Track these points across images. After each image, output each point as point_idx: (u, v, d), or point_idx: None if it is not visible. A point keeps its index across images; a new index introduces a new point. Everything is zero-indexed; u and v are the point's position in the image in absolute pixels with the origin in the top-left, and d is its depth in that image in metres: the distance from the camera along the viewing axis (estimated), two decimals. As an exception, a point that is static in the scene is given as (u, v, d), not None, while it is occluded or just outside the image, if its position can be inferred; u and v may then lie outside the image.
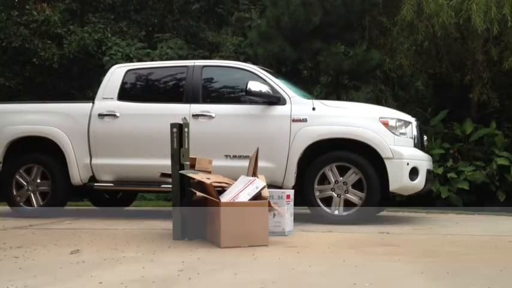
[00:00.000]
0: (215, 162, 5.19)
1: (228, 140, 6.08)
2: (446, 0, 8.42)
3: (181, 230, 4.73)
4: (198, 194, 4.53)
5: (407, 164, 5.78)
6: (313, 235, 5.11)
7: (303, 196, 6.01)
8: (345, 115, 5.99)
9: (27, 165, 6.67)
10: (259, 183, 4.49)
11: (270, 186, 5.20)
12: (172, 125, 4.82)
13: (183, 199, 4.76)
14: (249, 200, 4.42)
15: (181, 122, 4.85)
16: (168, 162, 4.88)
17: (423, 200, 8.05)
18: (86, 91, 11.18)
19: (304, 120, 5.97)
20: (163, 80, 6.82)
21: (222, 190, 4.64)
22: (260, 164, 4.93)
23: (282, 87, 6.24)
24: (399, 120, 5.97)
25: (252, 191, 4.44)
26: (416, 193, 6.13)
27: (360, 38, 9.75)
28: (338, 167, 5.88)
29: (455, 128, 9.01)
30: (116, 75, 6.72)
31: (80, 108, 6.68)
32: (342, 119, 5.95)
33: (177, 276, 3.28)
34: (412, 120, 6.16)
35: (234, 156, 6.01)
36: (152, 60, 10.32)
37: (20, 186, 6.68)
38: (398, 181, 5.77)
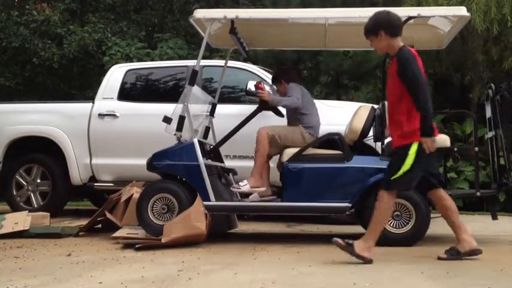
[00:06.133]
0: (215, 162, 5.19)
1: (228, 140, 6.07)
2: (446, 0, 8.42)
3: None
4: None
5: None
6: (312, 235, 5.11)
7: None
8: (344, 115, 5.97)
9: (27, 165, 6.66)
10: None
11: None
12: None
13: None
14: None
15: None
16: (168, 162, 4.88)
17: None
18: (86, 91, 11.16)
19: (304, 120, 5.94)
20: (163, 80, 6.82)
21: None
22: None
23: (282, 87, 6.21)
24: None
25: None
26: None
27: (360, 37, 9.72)
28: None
29: (455, 128, 8.99)
30: (115, 75, 6.72)
31: (80, 108, 6.68)
32: (342, 119, 5.94)
33: (177, 276, 3.28)
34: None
35: (234, 156, 6.01)
36: (152, 60, 10.29)
37: (20, 186, 6.67)
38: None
